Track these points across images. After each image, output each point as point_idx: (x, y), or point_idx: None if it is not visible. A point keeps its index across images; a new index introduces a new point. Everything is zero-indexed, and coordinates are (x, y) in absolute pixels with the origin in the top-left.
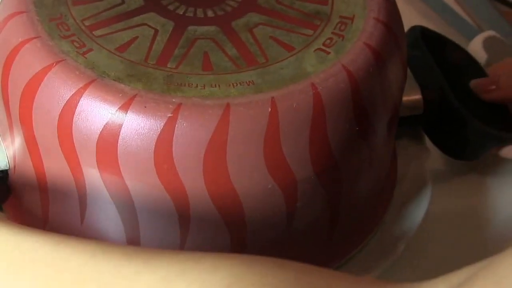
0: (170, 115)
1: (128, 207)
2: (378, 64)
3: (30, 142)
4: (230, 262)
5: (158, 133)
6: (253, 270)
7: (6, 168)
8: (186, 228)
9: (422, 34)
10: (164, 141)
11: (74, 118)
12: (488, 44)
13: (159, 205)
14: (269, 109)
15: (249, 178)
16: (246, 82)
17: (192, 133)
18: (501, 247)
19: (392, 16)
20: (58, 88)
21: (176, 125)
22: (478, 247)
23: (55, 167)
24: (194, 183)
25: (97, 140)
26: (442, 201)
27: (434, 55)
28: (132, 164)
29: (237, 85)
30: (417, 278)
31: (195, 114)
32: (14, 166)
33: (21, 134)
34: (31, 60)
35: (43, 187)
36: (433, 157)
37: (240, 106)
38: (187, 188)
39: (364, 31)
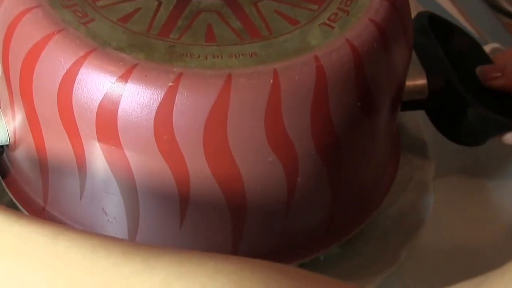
0: (171, 84)
1: (127, 180)
2: (382, 40)
3: (31, 114)
4: (232, 268)
5: (158, 103)
6: (255, 277)
7: (7, 143)
8: (186, 202)
9: (429, 20)
10: (164, 111)
11: (74, 88)
12: (492, 56)
13: (158, 177)
14: (271, 81)
15: (250, 150)
16: (249, 54)
17: (193, 102)
18: (501, 256)
19: None
20: (58, 57)
21: (177, 95)
22: (479, 256)
23: (55, 140)
24: (194, 154)
25: (97, 109)
26: (444, 211)
27: (441, 41)
28: (132, 135)
29: (239, 56)
30: (418, 286)
31: (196, 83)
32: (15, 141)
33: (22, 107)
34: (32, 29)
35: (43, 162)
36: (436, 168)
37: (242, 77)
38: (186, 159)
39: (369, 7)
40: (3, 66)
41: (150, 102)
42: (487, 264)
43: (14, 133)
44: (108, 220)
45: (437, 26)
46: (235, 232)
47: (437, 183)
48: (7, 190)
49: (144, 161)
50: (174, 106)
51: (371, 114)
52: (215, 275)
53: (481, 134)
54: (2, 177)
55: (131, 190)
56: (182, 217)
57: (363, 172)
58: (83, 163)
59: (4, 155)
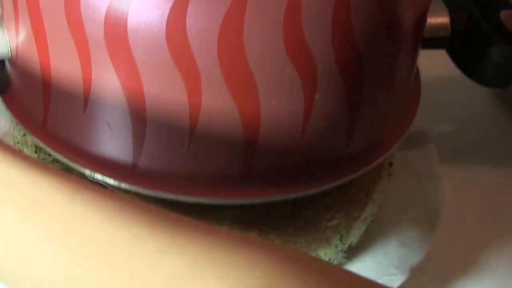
0: None
1: (135, 89)
2: None
3: (36, 23)
4: (268, 258)
5: (171, 3)
6: (292, 273)
7: (8, 56)
8: (197, 111)
9: None
10: (177, 12)
11: None
12: None
13: (168, 84)
14: None
15: (266, 57)
16: None
17: (208, 4)
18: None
19: None
20: None
21: None
22: (492, 275)
23: (60, 49)
24: (207, 59)
25: (106, 11)
26: (454, 226)
27: None
28: (142, 37)
29: None
30: None
31: None
32: (17, 55)
33: (27, 16)
34: None
35: (46, 73)
36: (446, 182)
37: None
38: (199, 65)
39: None
40: None
41: (162, 3)
42: (499, 281)
43: (17, 46)
44: (112, 134)
45: None
46: (247, 148)
47: (447, 198)
48: (6, 106)
49: (154, 67)
50: (188, 8)
51: (394, 36)
52: (249, 266)
53: (505, 74)
54: (2, 93)
55: (138, 100)
56: (192, 133)
57: (382, 101)
58: (89, 72)
59: (5, 69)
